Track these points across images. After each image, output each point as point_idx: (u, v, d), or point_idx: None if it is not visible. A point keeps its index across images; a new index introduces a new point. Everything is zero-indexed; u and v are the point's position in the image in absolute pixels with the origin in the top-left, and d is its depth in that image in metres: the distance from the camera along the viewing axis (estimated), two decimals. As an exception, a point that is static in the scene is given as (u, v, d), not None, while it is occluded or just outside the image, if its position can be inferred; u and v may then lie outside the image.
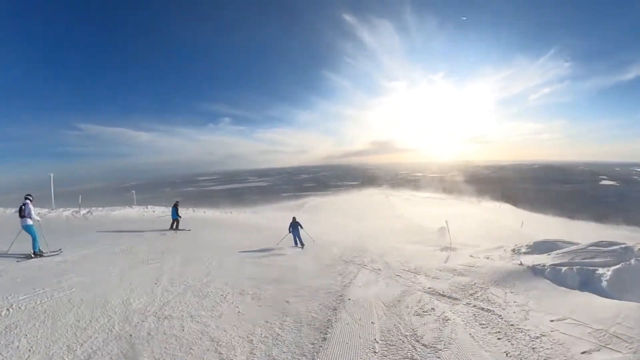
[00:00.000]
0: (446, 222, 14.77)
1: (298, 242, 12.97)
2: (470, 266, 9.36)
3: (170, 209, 14.50)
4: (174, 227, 13.80)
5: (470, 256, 11.04)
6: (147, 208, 19.36)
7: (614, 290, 6.69)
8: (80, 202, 15.59)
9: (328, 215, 37.06)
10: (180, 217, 14.11)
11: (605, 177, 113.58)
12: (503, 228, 28.21)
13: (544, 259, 8.99)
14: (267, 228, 17.92)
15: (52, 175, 18.37)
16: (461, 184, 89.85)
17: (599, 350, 4.64)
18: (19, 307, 5.11)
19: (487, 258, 10.60)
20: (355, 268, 9.70)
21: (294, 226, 13.09)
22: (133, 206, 18.93)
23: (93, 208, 15.52)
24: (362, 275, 9.01)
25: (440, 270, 9.26)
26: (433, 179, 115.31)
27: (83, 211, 14.71)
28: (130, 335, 4.66)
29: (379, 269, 9.64)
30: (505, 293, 7.20)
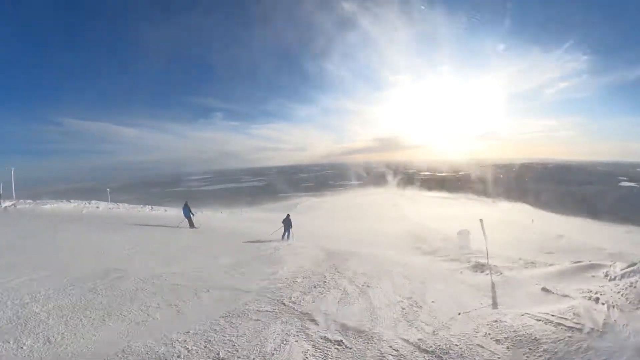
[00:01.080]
0: (481, 221, 9.50)
1: (286, 236, 14.24)
2: (567, 326, 4.67)
3: (182, 209, 16.03)
4: (190, 225, 15.42)
5: (543, 289, 6.53)
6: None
7: None
8: (1, 191, 13.93)
9: (319, 216, 35.12)
10: (193, 214, 15.80)
11: (625, 178, 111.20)
12: (529, 231, 26.08)
13: None
14: (240, 234, 15.14)
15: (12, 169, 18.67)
16: (472, 183, 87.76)
17: None
18: None
19: (590, 297, 5.87)
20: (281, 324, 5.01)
21: (287, 222, 14.42)
22: (72, 200, 17.49)
23: (21, 200, 13.51)
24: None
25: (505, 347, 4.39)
26: (441, 178, 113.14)
27: (6, 203, 12.69)
28: None
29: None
30: None
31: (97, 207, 18.10)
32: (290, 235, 14.27)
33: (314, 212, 41.66)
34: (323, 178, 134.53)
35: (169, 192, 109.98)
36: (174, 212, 30.18)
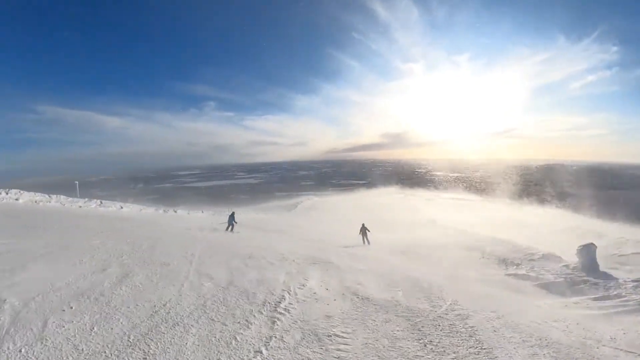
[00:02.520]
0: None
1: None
2: None
3: (228, 216, 18.83)
4: (230, 229, 17.92)
5: None
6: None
7: None
8: None
9: (333, 221, 30.90)
10: (236, 222, 18.49)
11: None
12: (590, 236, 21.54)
13: None
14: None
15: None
16: (494, 184, 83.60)
17: None
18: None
19: None
20: None
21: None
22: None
23: None
24: None
25: None
26: (457, 179, 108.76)
27: None
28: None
29: None
30: None
31: (17, 200, 13.58)
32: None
33: (324, 215, 37.30)
34: (326, 176, 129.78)
35: (156, 188, 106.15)
36: (148, 211, 26.24)
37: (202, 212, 31.33)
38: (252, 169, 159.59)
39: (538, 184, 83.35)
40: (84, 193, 34.58)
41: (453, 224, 26.32)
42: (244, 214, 34.57)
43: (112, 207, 20.36)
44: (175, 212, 27.86)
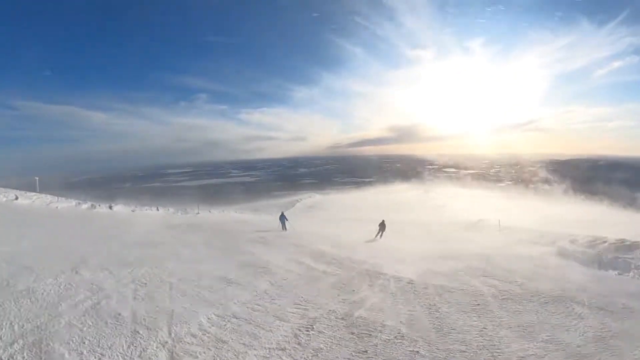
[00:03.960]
0: None
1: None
2: None
3: (279, 217, 21.23)
4: (284, 228, 20.57)
5: None
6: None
7: None
8: None
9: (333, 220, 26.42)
10: (287, 219, 21.06)
11: None
12: None
13: None
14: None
15: None
16: (521, 180, 79.49)
17: None
18: None
19: None
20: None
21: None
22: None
23: None
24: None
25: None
26: (476, 175, 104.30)
27: None
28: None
29: None
30: None
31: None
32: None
33: (328, 215, 33.02)
34: (328, 173, 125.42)
35: (144, 187, 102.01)
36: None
37: (158, 209, 27.24)
38: (248, 166, 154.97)
39: (574, 179, 79.12)
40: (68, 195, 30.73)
41: (517, 224, 21.84)
42: (220, 214, 30.17)
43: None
44: (111, 208, 23.82)
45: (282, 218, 21.04)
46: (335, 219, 32.52)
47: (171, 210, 27.54)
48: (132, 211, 25.23)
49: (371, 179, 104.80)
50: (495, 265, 11.75)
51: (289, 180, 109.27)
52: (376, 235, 19.35)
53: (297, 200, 47.79)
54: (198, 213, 27.79)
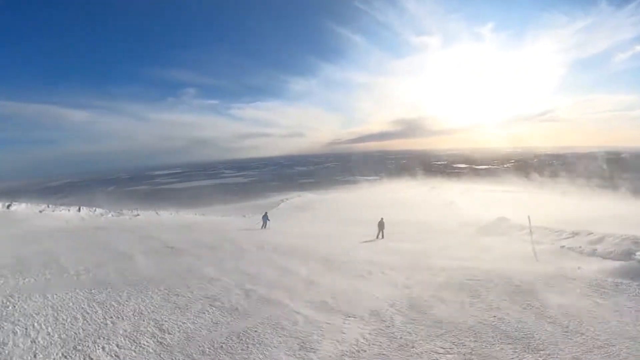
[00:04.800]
0: None
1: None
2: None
3: (262, 216, 22.24)
4: (264, 226, 21.47)
5: None
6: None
7: None
8: None
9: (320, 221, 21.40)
10: (269, 220, 22.28)
11: None
12: None
13: None
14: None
15: None
16: (534, 173, 73.87)
17: None
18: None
19: None
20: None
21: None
22: None
23: None
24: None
25: None
26: (487, 170, 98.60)
27: None
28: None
29: None
30: None
31: None
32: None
33: (315, 216, 28.43)
34: (328, 172, 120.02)
35: (129, 191, 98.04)
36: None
37: (80, 209, 22.24)
38: (242, 165, 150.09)
39: (597, 172, 73.24)
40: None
41: (550, 224, 16.24)
42: (169, 216, 25.20)
43: None
44: (9, 208, 18.97)
45: (265, 218, 22.25)
46: (320, 219, 28.46)
47: (99, 211, 22.31)
48: (40, 212, 20.07)
49: (374, 177, 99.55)
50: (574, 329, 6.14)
51: (286, 179, 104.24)
52: (377, 236, 18.57)
53: (282, 200, 42.48)
54: (137, 215, 22.72)
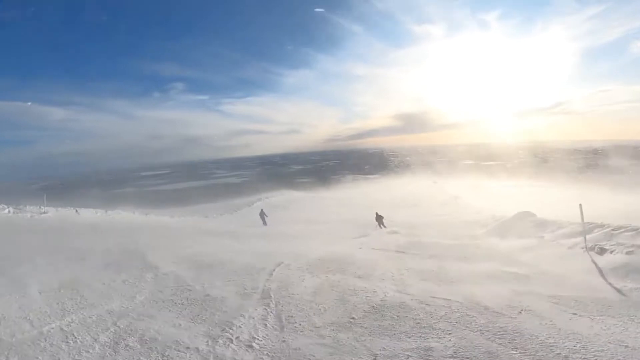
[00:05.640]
0: None
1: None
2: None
3: (259, 214, 23.37)
4: (264, 223, 22.63)
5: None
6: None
7: None
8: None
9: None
10: (267, 215, 23.36)
11: None
12: None
13: None
14: None
15: None
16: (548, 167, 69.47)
17: None
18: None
19: None
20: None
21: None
22: None
23: None
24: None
25: None
26: (496, 166, 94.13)
27: None
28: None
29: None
30: None
31: None
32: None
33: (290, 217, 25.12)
34: (326, 170, 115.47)
35: (115, 193, 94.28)
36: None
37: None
38: (235, 164, 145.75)
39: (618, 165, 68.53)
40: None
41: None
42: (91, 215, 21.14)
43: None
44: None
45: (262, 215, 23.15)
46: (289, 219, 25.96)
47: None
48: None
49: (374, 175, 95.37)
50: None
51: (282, 179, 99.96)
52: (379, 227, 19.18)
53: (259, 199, 38.11)
54: (44, 212, 18.63)
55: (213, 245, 13.32)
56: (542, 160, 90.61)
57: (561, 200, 26.28)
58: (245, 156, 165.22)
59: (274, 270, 8.49)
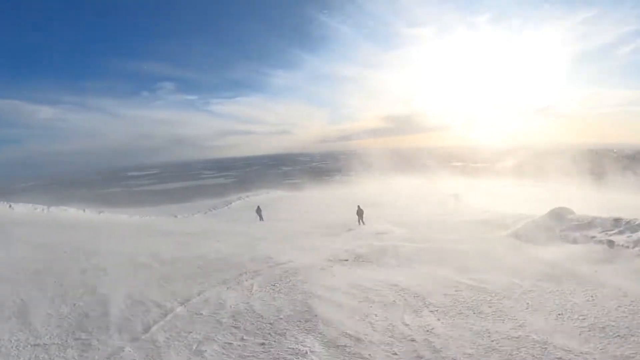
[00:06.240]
0: None
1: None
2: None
3: (256, 210, 23.73)
4: (261, 219, 22.94)
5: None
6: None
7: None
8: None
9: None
10: (261, 210, 23.89)
11: None
12: None
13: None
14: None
15: None
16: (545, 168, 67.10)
17: None
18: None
19: None
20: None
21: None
22: None
23: None
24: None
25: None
26: (488, 167, 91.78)
27: None
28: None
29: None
30: None
31: None
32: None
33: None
34: (316, 171, 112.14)
35: (103, 194, 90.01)
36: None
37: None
38: (224, 165, 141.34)
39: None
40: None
41: None
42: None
43: None
44: None
45: (259, 211, 23.71)
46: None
47: None
48: None
49: (361, 176, 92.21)
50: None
51: (271, 180, 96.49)
52: (358, 222, 18.63)
53: (239, 198, 34.60)
54: None
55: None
56: (533, 161, 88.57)
57: (567, 198, 23.22)
58: (235, 156, 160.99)
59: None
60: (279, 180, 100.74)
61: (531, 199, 25.92)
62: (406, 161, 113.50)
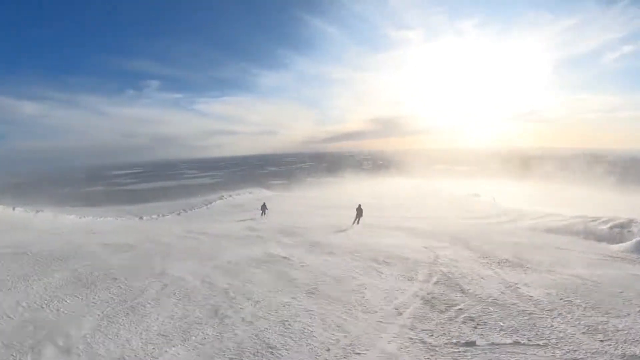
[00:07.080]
0: None
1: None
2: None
3: (261, 207, 23.92)
4: (263, 214, 23.47)
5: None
6: None
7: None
8: None
9: None
10: (267, 208, 24.04)
11: None
12: None
13: None
14: None
15: None
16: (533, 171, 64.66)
17: None
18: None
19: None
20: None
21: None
22: None
23: None
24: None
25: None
26: (477, 170, 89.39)
27: None
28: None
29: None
30: None
31: None
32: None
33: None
34: (302, 172, 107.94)
35: (87, 192, 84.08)
36: None
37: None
38: (208, 165, 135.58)
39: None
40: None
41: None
42: None
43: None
44: None
45: (264, 207, 24.00)
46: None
47: None
48: None
49: (348, 177, 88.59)
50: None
51: (255, 180, 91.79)
52: (353, 222, 18.42)
53: (220, 197, 30.15)
54: None
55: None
56: (523, 165, 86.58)
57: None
58: (221, 156, 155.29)
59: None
60: (265, 181, 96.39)
61: (551, 201, 22.25)
62: (393, 163, 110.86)
